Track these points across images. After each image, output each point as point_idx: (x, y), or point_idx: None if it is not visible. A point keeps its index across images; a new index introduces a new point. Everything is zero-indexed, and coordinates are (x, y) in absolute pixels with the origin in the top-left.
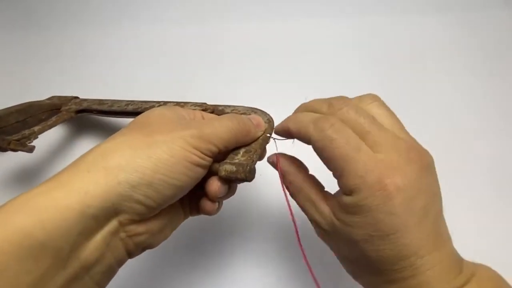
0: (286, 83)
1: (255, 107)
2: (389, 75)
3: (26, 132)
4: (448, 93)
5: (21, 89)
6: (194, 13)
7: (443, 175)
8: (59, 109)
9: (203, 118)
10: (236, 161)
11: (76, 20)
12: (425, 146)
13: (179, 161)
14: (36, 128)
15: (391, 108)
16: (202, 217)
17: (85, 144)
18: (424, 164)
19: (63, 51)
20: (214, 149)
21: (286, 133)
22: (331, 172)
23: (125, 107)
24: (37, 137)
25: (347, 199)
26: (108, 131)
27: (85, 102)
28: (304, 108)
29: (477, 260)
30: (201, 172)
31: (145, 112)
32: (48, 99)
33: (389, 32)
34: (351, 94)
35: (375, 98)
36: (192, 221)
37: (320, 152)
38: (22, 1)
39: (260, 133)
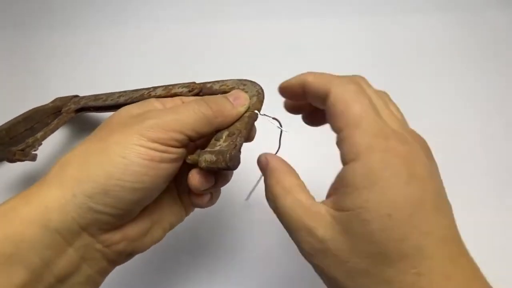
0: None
1: (245, 78)
2: (389, 75)
3: (30, 140)
4: (448, 93)
5: (21, 90)
6: (194, 13)
7: (443, 175)
8: (61, 110)
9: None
10: (218, 148)
11: (75, 21)
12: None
13: (134, 162)
14: (38, 135)
15: None
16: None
17: None
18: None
19: (63, 51)
20: (181, 137)
21: (297, 88)
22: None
23: (118, 99)
24: (41, 144)
25: (355, 165)
26: None
27: (83, 100)
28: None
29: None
30: (169, 167)
31: (113, 113)
32: (52, 102)
33: (388, 32)
34: None
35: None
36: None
37: (336, 104)
38: (21, 1)
39: (242, 109)
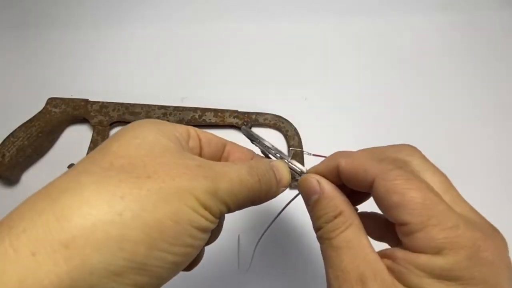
0: (286, 83)
1: (280, 115)
2: (390, 76)
3: None
4: (449, 93)
5: (19, 89)
6: (194, 13)
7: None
8: (83, 119)
9: (200, 144)
10: None
11: (74, 21)
12: (426, 147)
13: (186, 228)
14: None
15: (392, 108)
16: None
17: None
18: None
19: (61, 51)
20: (225, 210)
21: (331, 176)
22: None
23: (163, 117)
24: None
25: (437, 260)
26: None
27: (111, 111)
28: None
29: None
30: (205, 240)
31: (124, 135)
32: (50, 105)
33: (389, 32)
34: (351, 95)
35: (414, 150)
36: None
37: (388, 195)
38: (20, 1)
39: (281, 191)
